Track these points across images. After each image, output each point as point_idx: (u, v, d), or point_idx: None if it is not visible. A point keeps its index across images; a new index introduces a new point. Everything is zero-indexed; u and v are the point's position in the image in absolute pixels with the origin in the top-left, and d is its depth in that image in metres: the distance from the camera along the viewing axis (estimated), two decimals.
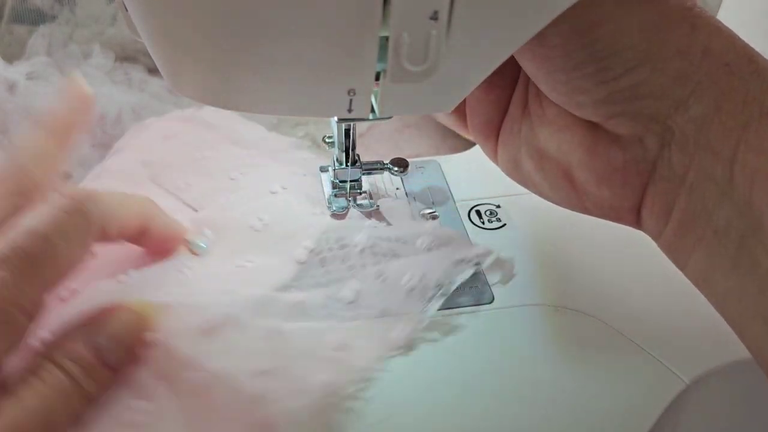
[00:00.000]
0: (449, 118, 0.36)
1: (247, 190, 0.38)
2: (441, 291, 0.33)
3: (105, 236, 0.31)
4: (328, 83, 0.25)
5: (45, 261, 0.27)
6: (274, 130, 0.46)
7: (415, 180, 0.43)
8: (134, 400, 0.28)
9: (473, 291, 0.35)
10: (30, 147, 0.32)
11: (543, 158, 0.31)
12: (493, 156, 0.34)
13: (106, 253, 0.32)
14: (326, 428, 0.29)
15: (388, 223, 0.38)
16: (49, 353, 0.28)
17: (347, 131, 0.36)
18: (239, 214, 0.37)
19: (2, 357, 0.26)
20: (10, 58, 0.56)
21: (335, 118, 0.36)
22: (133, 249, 0.34)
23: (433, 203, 0.41)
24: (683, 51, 0.27)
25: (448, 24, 0.23)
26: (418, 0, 0.22)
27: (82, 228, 0.29)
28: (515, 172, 0.33)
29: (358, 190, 0.39)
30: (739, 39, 0.28)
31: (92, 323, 0.29)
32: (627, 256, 0.37)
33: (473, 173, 0.43)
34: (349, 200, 0.39)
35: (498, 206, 0.41)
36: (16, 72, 0.53)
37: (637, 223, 0.30)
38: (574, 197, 0.31)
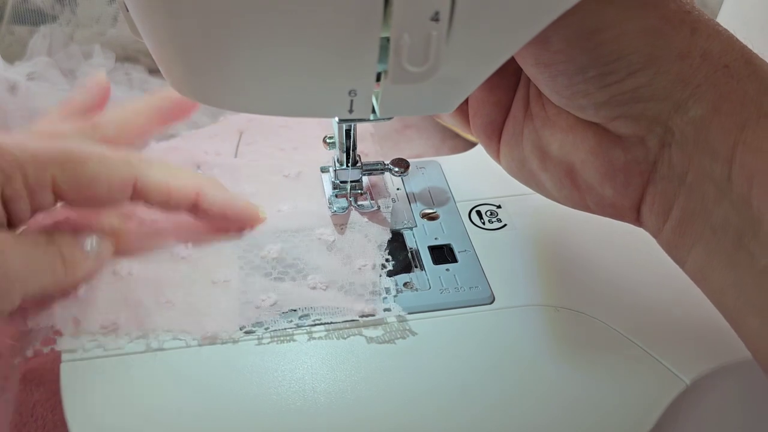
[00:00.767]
0: (452, 118, 0.36)
1: None
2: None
3: (150, 196, 0.34)
4: (329, 84, 0.25)
5: (66, 163, 0.31)
6: None
7: (416, 180, 0.43)
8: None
9: (474, 291, 0.35)
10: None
11: (546, 158, 0.32)
12: (496, 156, 0.34)
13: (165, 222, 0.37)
14: None
15: (390, 224, 0.38)
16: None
17: (348, 132, 0.36)
18: None
19: None
20: (11, 59, 0.56)
21: (336, 119, 0.36)
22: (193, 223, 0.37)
23: (433, 203, 0.41)
24: (684, 54, 0.28)
25: (448, 25, 0.23)
26: (419, 1, 0.22)
27: (120, 166, 0.33)
28: (518, 171, 0.33)
29: (359, 191, 0.39)
30: (738, 41, 0.28)
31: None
32: (628, 256, 0.37)
33: (474, 174, 0.43)
34: (350, 200, 0.39)
35: (499, 206, 0.41)
36: (17, 72, 0.53)
37: (637, 220, 0.31)
38: (577, 195, 0.32)
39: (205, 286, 0.34)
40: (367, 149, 0.43)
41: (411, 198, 0.41)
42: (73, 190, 0.32)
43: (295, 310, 0.33)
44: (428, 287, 0.35)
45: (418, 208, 0.41)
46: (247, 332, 0.32)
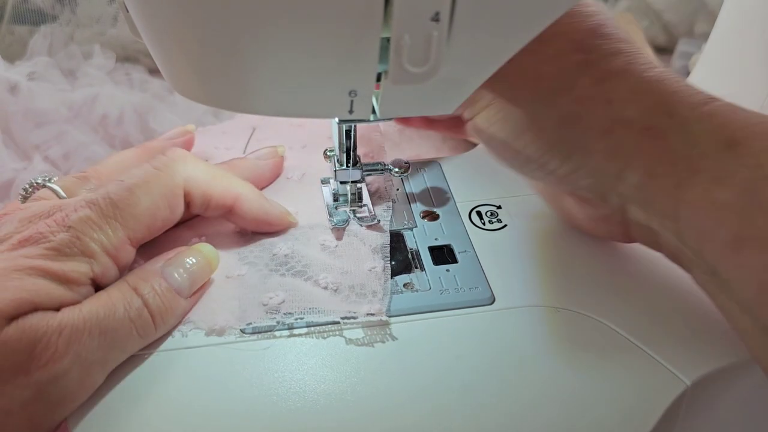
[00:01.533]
0: (444, 125, 0.39)
1: None
2: None
3: (192, 204, 0.34)
4: (329, 84, 0.25)
5: (125, 207, 0.31)
6: None
7: (416, 181, 0.43)
8: None
9: (474, 292, 0.35)
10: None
11: (542, 189, 0.36)
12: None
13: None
14: None
15: (390, 238, 0.38)
16: (125, 277, 0.31)
17: (348, 132, 0.36)
18: None
19: (82, 279, 0.29)
20: (12, 59, 0.56)
21: (336, 119, 0.36)
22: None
23: (434, 204, 0.41)
24: (606, 130, 0.30)
25: (449, 25, 0.23)
26: (420, 1, 0.22)
27: (167, 184, 0.33)
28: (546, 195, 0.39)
29: (359, 204, 0.39)
30: (655, 89, 0.29)
31: (168, 259, 0.32)
32: (628, 257, 0.37)
33: (474, 174, 0.43)
34: (350, 212, 0.39)
35: (499, 207, 0.41)
36: (18, 72, 0.53)
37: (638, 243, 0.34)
38: (572, 224, 0.36)
39: (218, 280, 0.34)
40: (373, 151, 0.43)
41: (411, 198, 0.41)
42: (142, 228, 0.32)
43: (293, 312, 0.33)
44: (428, 288, 0.35)
45: (418, 208, 0.41)
46: (252, 332, 0.32)
